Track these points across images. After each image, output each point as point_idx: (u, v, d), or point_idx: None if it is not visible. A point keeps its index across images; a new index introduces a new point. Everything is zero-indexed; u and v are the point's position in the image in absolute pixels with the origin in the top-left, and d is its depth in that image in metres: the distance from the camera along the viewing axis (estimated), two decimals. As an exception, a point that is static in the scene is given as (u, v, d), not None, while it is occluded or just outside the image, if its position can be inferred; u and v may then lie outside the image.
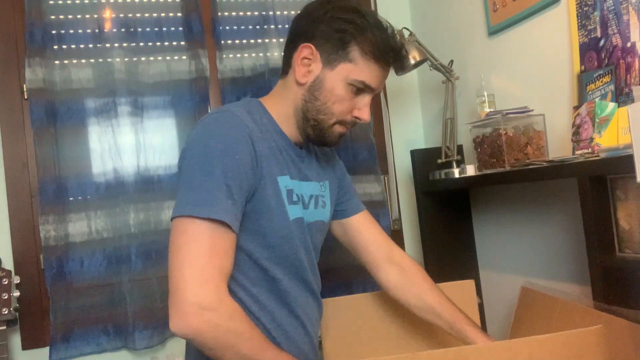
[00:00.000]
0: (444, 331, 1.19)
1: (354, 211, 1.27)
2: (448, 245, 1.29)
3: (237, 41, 1.92)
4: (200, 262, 0.88)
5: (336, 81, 1.04)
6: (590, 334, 0.77)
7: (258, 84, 1.90)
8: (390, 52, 1.06)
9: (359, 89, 1.06)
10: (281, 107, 1.10)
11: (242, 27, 1.94)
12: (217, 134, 0.97)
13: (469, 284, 1.38)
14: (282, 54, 1.14)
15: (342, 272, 1.82)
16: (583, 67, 1.30)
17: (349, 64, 1.04)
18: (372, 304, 1.34)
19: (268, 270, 1.04)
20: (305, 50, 1.05)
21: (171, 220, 0.93)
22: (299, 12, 1.12)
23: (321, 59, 1.05)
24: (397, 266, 1.24)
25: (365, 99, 1.08)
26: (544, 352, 0.75)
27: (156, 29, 1.85)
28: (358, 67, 1.04)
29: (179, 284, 0.87)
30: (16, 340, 1.65)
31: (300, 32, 1.07)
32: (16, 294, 1.48)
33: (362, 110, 1.08)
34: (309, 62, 1.05)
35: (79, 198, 1.72)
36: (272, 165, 1.03)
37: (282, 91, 1.11)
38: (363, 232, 1.26)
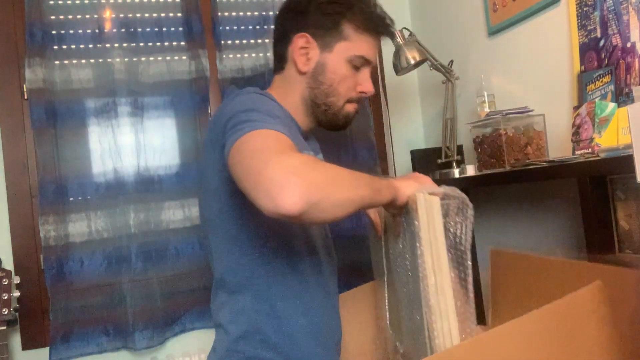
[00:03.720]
0: None
1: None
2: (448, 245, 1.29)
3: (237, 41, 1.92)
4: (269, 143, 0.83)
5: (337, 61, 1.08)
6: (587, 293, 0.70)
7: (258, 84, 1.88)
8: (379, 21, 1.12)
9: (359, 64, 1.10)
10: (288, 98, 1.11)
11: (242, 27, 1.94)
12: (262, 101, 0.96)
13: None
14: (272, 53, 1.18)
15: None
16: (583, 67, 1.30)
17: (344, 42, 1.08)
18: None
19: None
20: (301, 40, 1.08)
21: (228, 154, 0.87)
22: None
23: (317, 44, 1.08)
24: None
25: (365, 73, 1.12)
26: (539, 328, 0.68)
27: (156, 29, 1.85)
28: (353, 43, 1.08)
29: (260, 168, 0.78)
30: (16, 340, 1.65)
31: (289, 26, 1.11)
32: (16, 294, 1.48)
33: (365, 84, 1.12)
34: (306, 50, 1.09)
35: (79, 198, 1.73)
36: (299, 146, 1.00)
37: (284, 85, 1.14)
38: None
